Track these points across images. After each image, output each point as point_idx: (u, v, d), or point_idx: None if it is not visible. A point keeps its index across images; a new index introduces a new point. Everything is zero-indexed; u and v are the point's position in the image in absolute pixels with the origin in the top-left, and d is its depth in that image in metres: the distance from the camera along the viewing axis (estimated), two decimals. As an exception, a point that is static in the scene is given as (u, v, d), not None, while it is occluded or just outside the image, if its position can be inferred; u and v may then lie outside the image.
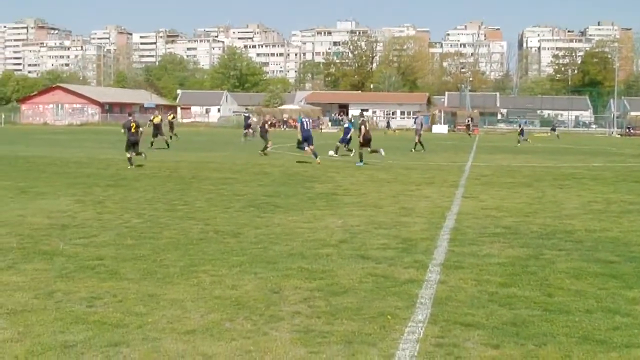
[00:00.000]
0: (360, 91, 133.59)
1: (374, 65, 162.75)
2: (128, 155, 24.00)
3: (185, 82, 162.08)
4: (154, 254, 9.40)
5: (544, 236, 11.15)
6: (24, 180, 19.10)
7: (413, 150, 37.25)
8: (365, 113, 55.97)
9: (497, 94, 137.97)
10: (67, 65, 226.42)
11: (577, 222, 12.68)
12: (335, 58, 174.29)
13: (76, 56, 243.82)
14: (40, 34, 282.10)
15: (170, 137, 47.08)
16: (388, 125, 76.57)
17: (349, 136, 32.14)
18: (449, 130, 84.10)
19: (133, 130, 24.22)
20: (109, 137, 49.68)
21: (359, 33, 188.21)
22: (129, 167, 23.49)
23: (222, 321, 6.50)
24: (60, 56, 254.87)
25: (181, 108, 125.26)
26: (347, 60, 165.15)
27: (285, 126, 76.08)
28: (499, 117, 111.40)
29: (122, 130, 25.28)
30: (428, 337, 6.08)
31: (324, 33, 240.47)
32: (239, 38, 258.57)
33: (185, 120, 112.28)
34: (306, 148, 27.83)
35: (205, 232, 11.21)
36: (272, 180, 20.02)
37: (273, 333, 6.18)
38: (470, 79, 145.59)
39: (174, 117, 52.51)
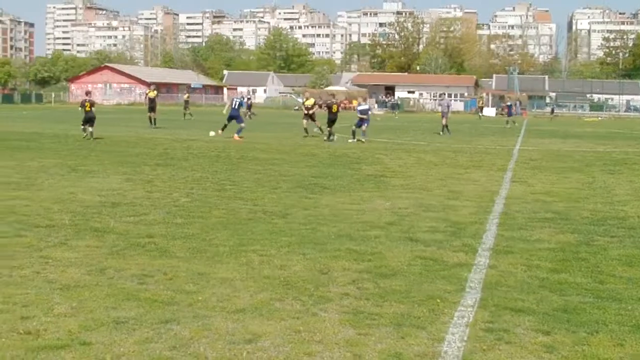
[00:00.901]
0: (406, 73, 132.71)
1: (421, 47, 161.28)
2: (82, 127, 27.62)
3: (231, 63, 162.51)
4: (203, 233, 9.47)
5: (595, 222, 10.96)
6: (74, 159, 19.38)
7: (440, 133, 36.04)
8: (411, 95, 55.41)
9: (546, 77, 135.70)
10: (114, 45, 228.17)
11: (629, 209, 12.45)
12: (381, 39, 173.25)
13: (124, 36, 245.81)
14: (88, 15, 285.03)
15: (184, 115, 48.13)
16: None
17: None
18: (496, 114, 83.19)
19: (87, 109, 27.36)
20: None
21: (406, 14, 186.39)
22: (83, 135, 27.02)
23: (271, 301, 6.53)
24: (108, 36, 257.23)
25: (227, 88, 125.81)
26: (393, 42, 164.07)
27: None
28: (547, 100, 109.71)
29: (79, 109, 28.20)
30: (478, 321, 6.03)
31: (370, 14, 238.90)
32: (284, 19, 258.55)
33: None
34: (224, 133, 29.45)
35: (253, 212, 11.26)
36: (319, 162, 20.02)
37: (322, 314, 6.19)
38: (519, 61, 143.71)
39: (189, 97, 54.89)
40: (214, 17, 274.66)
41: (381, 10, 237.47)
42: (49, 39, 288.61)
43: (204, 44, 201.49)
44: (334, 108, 30.20)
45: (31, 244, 8.67)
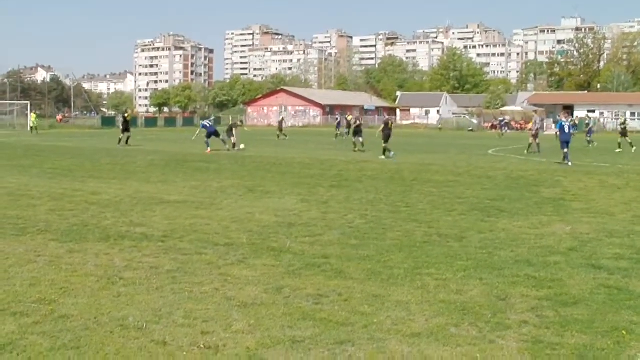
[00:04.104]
0: (586, 91, 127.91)
1: (602, 63, 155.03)
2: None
3: (404, 84, 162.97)
4: (378, 255, 9.46)
5: None
6: (251, 180, 20.01)
7: (526, 152, 35.05)
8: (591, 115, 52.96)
9: None
10: (290, 69, 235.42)
11: None
12: (559, 57, 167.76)
13: (299, 60, 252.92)
14: (265, 40, 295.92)
15: (278, 136, 50.54)
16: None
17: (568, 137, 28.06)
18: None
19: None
20: (329, 139, 51.04)
21: (585, 30, 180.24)
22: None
23: (447, 326, 6.41)
24: (284, 60, 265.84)
25: (400, 110, 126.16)
26: (572, 59, 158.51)
27: (506, 128, 73.72)
28: None
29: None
30: (670, 356, 5.65)
31: (548, 31, 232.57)
32: (458, 39, 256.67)
33: (404, 122, 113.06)
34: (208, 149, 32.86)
35: (428, 235, 11.15)
36: (495, 184, 19.59)
37: (500, 341, 6.01)
38: None
39: (283, 119, 59.51)
40: (388, 38, 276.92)
41: (559, 27, 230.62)
42: (227, 63, 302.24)
43: (377, 65, 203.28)
44: (389, 124, 32.42)
45: (211, 262, 8.99)
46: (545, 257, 9.49)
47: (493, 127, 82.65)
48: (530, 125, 35.80)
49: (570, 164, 26.57)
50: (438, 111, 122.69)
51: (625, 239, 11.04)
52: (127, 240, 10.40)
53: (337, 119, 60.67)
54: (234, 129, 36.35)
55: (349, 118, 51.98)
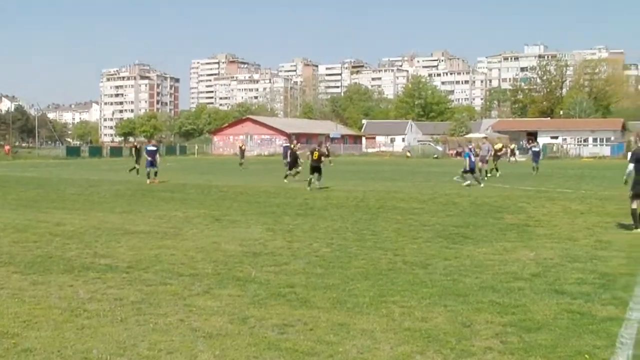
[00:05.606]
0: (549, 118, 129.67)
1: (564, 90, 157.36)
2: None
3: (370, 112, 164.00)
4: (343, 283, 9.47)
5: None
6: (217, 209, 19.96)
7: (486, 178, 35.53)
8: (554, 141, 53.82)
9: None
10: (256, 97, 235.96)
11: None
12: (522, 84, 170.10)
13: (264, 89, 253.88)
14: (231, 68, 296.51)
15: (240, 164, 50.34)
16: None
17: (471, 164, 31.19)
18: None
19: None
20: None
21: (548, 57, 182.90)
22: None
23: (412, 353, 6.43)
24: (250, 89, 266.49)
25: (366, 138, 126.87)
26: (535, 86, 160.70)
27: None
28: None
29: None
30: (632, 380, 5.71)
31: (511, 59, 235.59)
32: (423, 67, 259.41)
33: (370, 150, 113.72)
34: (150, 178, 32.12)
35: (393, 263, 11.19)
36: (460, 211, 19.74)
37: (465, 368, 6.04)
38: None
39: (243, 145, 58.94)
40: (353, 67, 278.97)
41: (522, 54, 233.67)
42: (193, 92, 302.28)
43: (342, 93, 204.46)
44: (315, 155, 28.54)
45: (176, 292, 8.94)
46: (509, 283, 9.56)
47: (458, 154, 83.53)
48: (479, 152, 36.74)
49: (482, 185, 30.06)
50: (403, 139, 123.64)
51: (587, 263, 11.17)
52: (91, 272, 10.31)
53: (282, 145, 53.40)
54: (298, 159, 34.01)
55: (295, 147, 37.27)
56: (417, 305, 8.25)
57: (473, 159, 31.38)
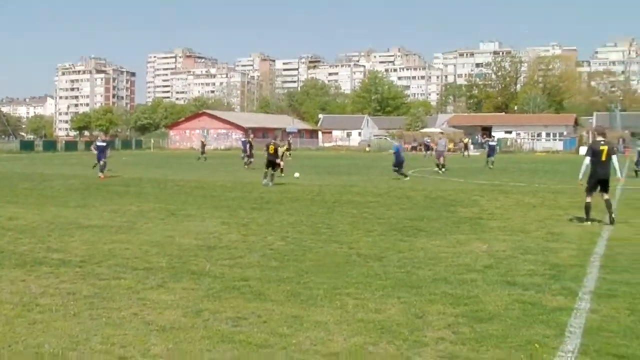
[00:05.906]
0: (504, 113, 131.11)
1: (518, 86, 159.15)
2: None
3: (326, 107, 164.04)
4: (297, 276, 9.50)
5: None
6: (173, 203, 19.84)
7: (440, 172, 36.90)
8: (508, 136, 54.30)
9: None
10: (212, 92, 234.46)
11: None
12: (478, 80, 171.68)
13: (221, 83, 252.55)
14: (188, 63, 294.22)
15: (199, 158, 49.16)
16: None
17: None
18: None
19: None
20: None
21: (503, 54, 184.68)
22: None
23: (365, 344, 6.48)
24: (207, 84, 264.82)
25: (322, 132, 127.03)
26: (490, 82, 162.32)
27: (428, 150, 74.95)
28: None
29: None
30: (579, 368, 5.83)
31: (467, 55, 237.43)
32: (380, 62, 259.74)
33: (326, 144, 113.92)
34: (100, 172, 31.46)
35: (348, 255, 11.24)
36: (414, 204, 19.88)
37: (417, 358, 6.11)
38: (621, 98, 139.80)
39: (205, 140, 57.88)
40: (310, 62, 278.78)
41: (477, 50, 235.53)
42: (149, 87, 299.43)
43: (299, 88, 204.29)
44: (271, 149, 27.56)
45: (130, 286, 8.88)
46: (462, 274, 9.67)
47: (413, 148, 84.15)
48: (434, 146, 37.72)
49: (407, 178, 30.56)
50: (360, 133, 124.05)
51: (539, 255, 11.34)
52: (44, 266, 10.19)
53: (241, 140, 53.33)
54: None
55: (250, 138, 43.17)
56: (371, 297, 8.30)
57: (402, 154, 32.07)
